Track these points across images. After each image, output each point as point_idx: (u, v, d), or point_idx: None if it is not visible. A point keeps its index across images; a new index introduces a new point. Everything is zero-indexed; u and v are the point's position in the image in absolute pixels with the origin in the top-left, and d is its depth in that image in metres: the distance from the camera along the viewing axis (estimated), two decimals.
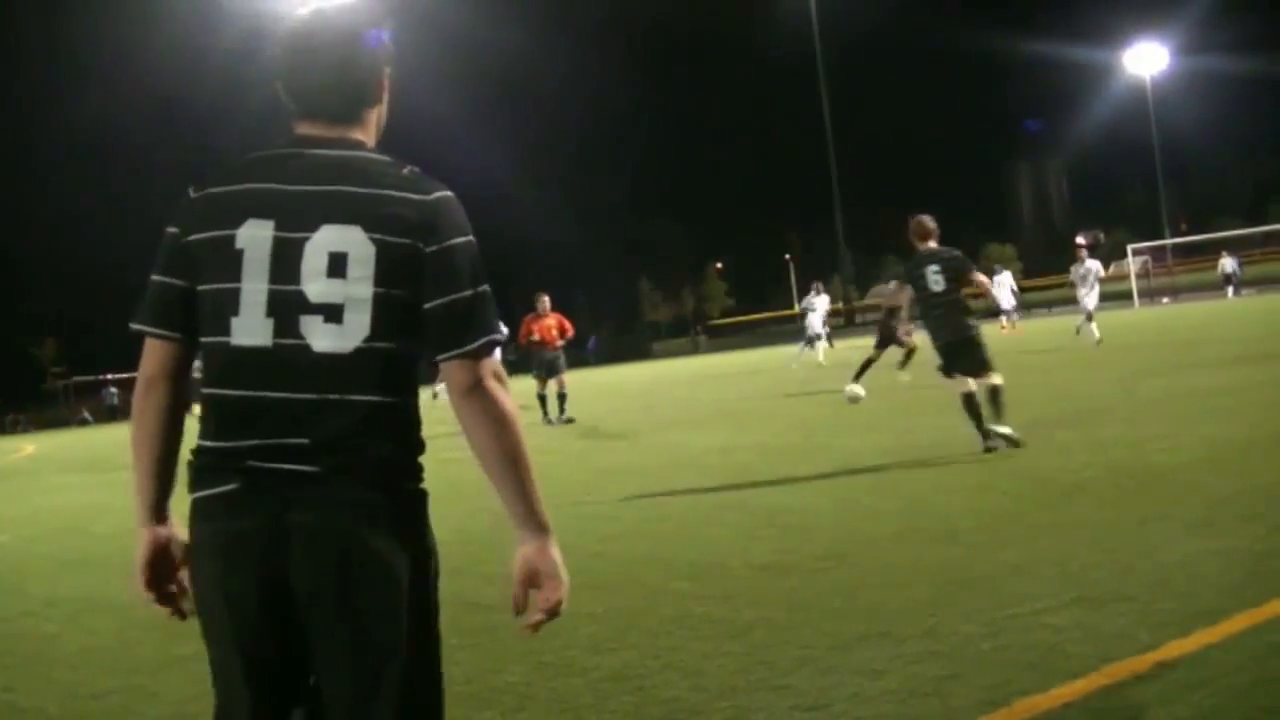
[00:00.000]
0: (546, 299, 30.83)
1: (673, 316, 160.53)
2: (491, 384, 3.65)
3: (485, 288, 3.73)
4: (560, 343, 30.41)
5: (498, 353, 3.76)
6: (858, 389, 24.75)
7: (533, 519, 3.74)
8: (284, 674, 3.57)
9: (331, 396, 3.55)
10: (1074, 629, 7.37)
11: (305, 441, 3.53)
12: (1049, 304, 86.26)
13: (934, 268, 16.00)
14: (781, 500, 13.93)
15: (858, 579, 9.46)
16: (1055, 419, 18.88)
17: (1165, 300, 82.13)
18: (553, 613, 3.76)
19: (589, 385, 51.46)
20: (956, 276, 16.14)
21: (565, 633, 8.71)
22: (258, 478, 3.53)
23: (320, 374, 3.55)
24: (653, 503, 14.78)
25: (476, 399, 3.65)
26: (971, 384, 15.58)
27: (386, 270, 3.58)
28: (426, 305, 3.63)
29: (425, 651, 3.69)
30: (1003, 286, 56.99)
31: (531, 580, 3.74)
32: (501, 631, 8.81)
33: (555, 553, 3.76)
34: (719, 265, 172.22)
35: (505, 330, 3.77)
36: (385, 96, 3.94)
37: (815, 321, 46.07)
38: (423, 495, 3.74)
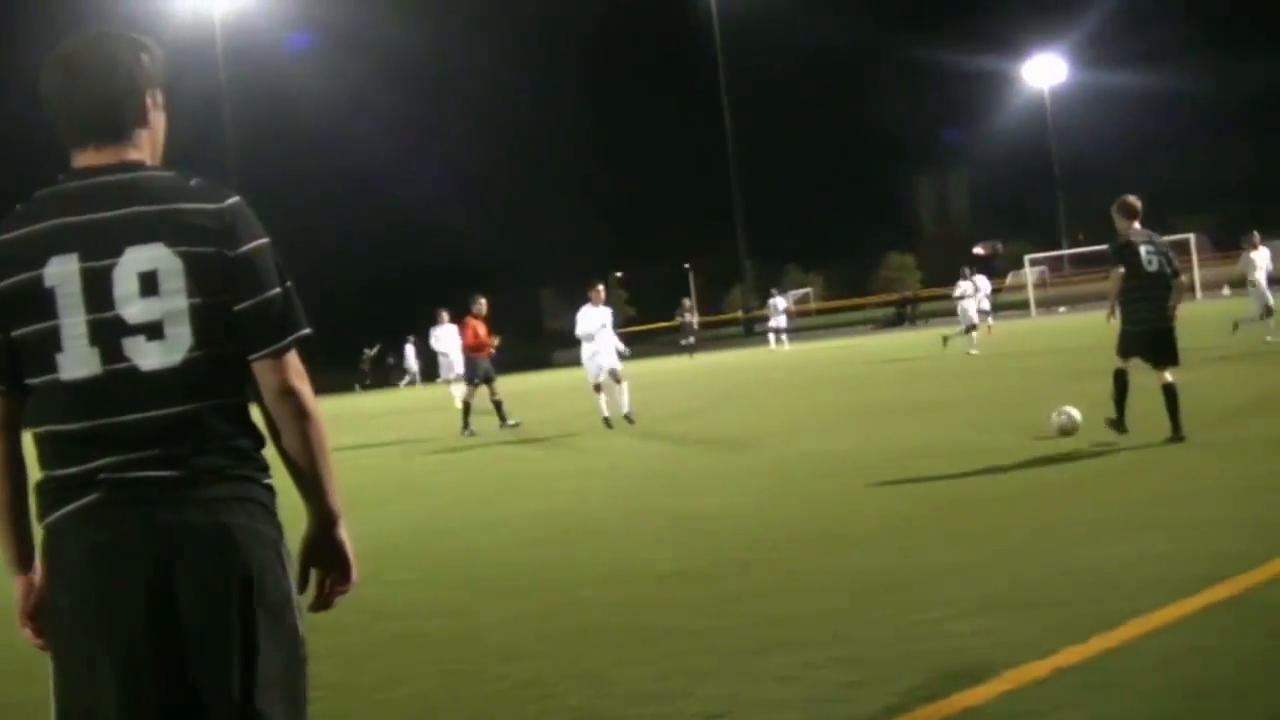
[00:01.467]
0: (484, 301, 29.69)
1: (401, 341, 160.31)
2: (298, 382, 3.77)
3: (290, 285, 3.82)
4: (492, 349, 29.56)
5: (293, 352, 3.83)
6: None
7: (327, 506, 3.83)
8: (160, 683, 3.56)
9: (172, 410, 3.61)
10: (978, 635, 7.45)
11: (157, 452, 3.59)
12: (946, 314, 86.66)
13: (1148, 248, 15.68)
14: (689, 507, 13.96)
15: (765, 585, 9.52)
16: (955, 426, 19.06)
17: (1062, 309, 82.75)
18: (340, 593, 3.90)
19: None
20: (1169, 262, 15.83)
21: (475, 640, 8.75)
22: (118, 487, 3.57)
23: (155, 391, 3.61)
24: (560, 510, 14.77)
25: (291, 400, 3.75)
26: (1168, 375, 15.29)
27: (197, 280, 3.64)
28: (237, 308, 3.69)
29: (295, 636, 3.74)
30: (979, 291, 57.87)
31: (316, 561, 3.86)
32: (412, 640, 8.83)
33: (344, 536, 3.88)
34: (619, 275, 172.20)
35: (310, 328, 3.82)
36: (158, 117, 3.97)
37: (970, 309, 45.03)
38: (273, 488, 3.81)
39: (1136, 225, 15.87)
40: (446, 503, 16.74)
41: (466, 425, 28.61)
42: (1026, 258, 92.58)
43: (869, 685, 6.73)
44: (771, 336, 69.95)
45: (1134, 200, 16.05)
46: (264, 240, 3.79)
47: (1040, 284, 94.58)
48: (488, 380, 29.01)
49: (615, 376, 25.38)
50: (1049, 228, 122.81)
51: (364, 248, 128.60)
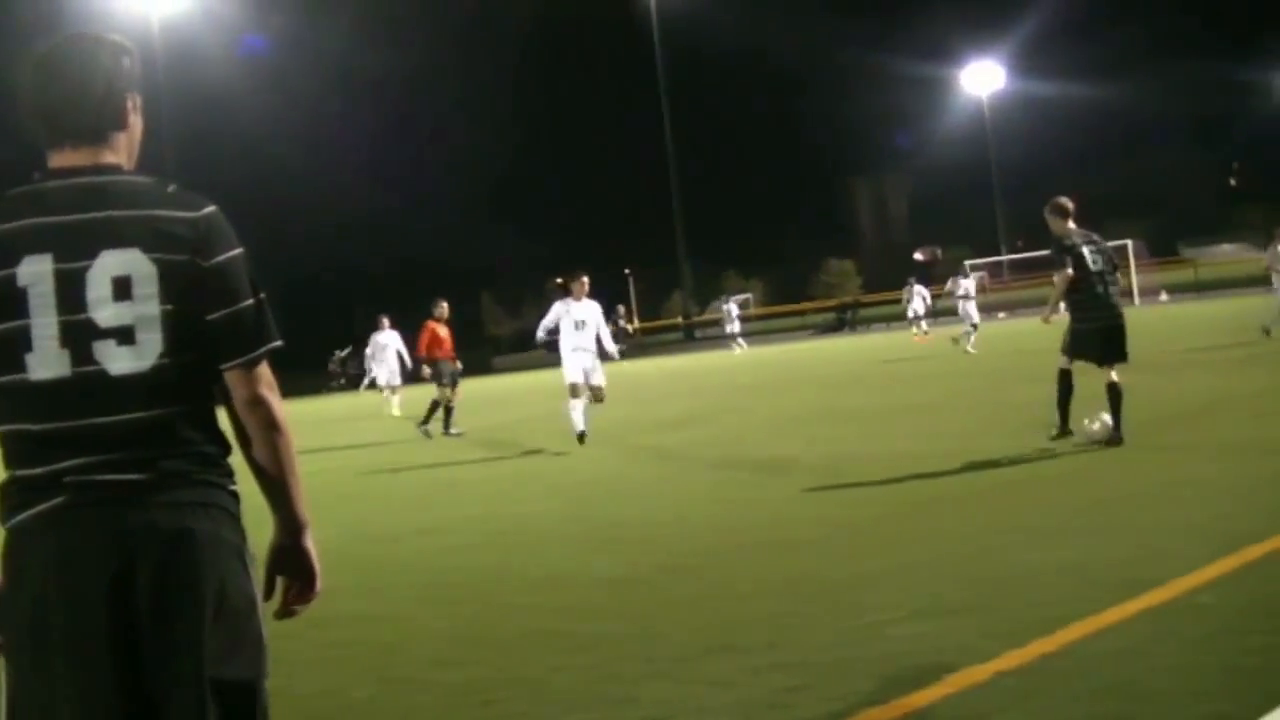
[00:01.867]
0: (445, 304, 29.82)
1: (514, 332, 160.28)
2: (267, 393, 3.79)
3: (262, 296, 3.83)
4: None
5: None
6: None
7: (294, 514, 3.89)
8: (118, 687, 3.51)
9: (139, 414, 3.60)
10: (916, 639, 7.47)
11: (123, 456, 3.57)
12: (887, 319, 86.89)
13: (1090, 247, 15.67)
14: (626, 513, 13.96)
15: (703, 591, 9.52)
16: (892, 432, 19.12)
17: (1002, 315, 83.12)
18: (304, 601, 3.97)
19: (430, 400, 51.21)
20: (1110, 260, 15.93)
21: (412, 647, 8.72)
22: (83, 489, 3.55)
23: (123, 395, 3.60)
24: (498, 515, 14.75)
25: (261, 410, 3.78)
26: (1114, 374, 15.38)
27: (171, 287, 3.64)
28: (209, 317, 3.70)
29: (257, 641, 3.73)
30: (917, 297, 58.71)
31: (283, 569, 3.90)
32: (349, 648, 8.79)
33: (310, 545, 3.95)
34: (559, 281, 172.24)
35: (281, 340, 3.82)
36: (135, 121, 3.97)
37: (972, 309, 44.68)
38: (238, 494, 3.80)
39: (1072, 225, 15.93)
40: (384, 508, 16.68)
41: (448, 426, 28.54)
42: (966, 263, 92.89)
43: (809, 690, 6.72)
44: (733, 340, 72.26)
45: (1065, 201, 16.14)
46: (238, 251, 3.80)
47: (980, 290, 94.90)
48: (454, 384, 28.87)
49: (596, 394, 22.91)
50: (988, 234, 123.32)
51: (298, 252, 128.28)
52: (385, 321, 37.66)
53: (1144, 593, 7.89)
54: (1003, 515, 11.37)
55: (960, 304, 44.25)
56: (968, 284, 45.17)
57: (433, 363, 29.18)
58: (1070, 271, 15.39)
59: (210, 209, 3.78)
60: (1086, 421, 15.27)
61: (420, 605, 10.16)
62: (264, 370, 3.79)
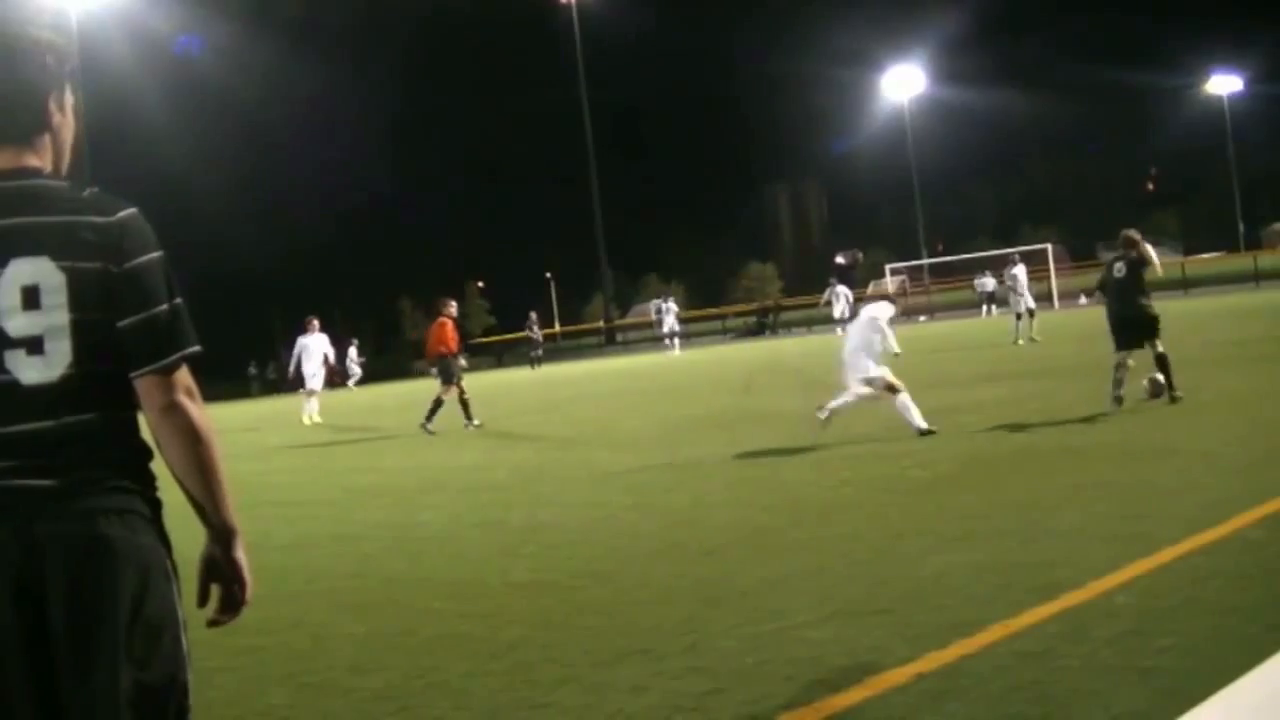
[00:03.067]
0: (454, 303, 30.50)
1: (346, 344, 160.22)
2: (185, 399, 3.70)
3: (179, 301, 3.75)
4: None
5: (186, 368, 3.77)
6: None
7: (223, 522, 3.79)
8: (28, 698, 3.45)
9: (51, 423, 3.54)
10: (833, 642, 7.47)
11: (36, 463, 3.51)
12: (807, 323, 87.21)
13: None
14: (540, 518, 13.90)
15: (618, 596, 9.49)
16: (810, 436, 19.16)
17: (922, 318, 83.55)
18: (235, 609, 3.87)
19: (352, 405, 51.02)
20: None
21: (327, 653, 8.66)
22: None
23: (34, 405, 3.54)
24: (411, 522, 14.67)
25: (174, 416, 3.69)
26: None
27: (79, 296, 3.57)
28: (121, 324, 3.62)
29: (176, 649, 3.65)
30: (841, 298, 58.97)
31: (215, 577, 3.82)
32: (263, 653, 8.72)
33: (241, 553, 3.84)
34: (480, 284, 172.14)
35: (199, 345, 3.76)
36: (65, 122, 3.89)
37: (1022, 302, 44.05)
38: (158, 501, 3.74)
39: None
40: (299, 515, 16.55)
41: (429, 420, 28.46)
42: (887, 267, 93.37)
43: (725, 693, 6.72)
44: (668, 342, 73.93)
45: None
46: (154, 255, 3.71)
47: (900, 293, 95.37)
48: (455, 380, 29.02)
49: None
50: (909, 237, 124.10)
51: (215, 255, 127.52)
52: (315, 324, 37.44)
53: (1060, 594, 7.95)
54: (918, 518, 11.41)
55: (1011, 296, 43.66)
56: (1018, 272, 44.57)
57: (445, 359, 29.33)
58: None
59: (126, 213, 3.69)
60: (1144, 381, 18.12)
61: (334, 611, 10.09)
62: (181, 376, 3.70)
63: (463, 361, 29.97)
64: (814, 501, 13.00)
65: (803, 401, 25.26)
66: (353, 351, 79.62)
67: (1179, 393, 18.14)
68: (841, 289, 58.89)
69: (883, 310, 19.01)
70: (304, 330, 37.73)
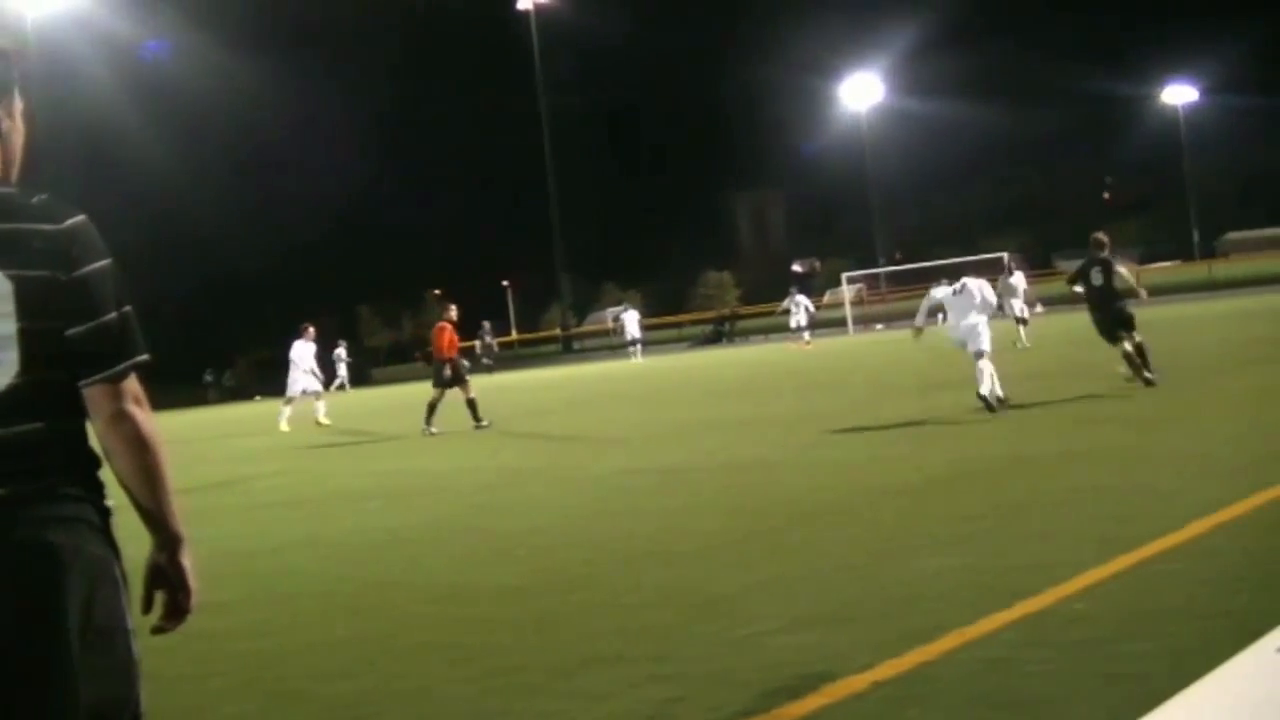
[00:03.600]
0: (454, 307, 31.23)
1: (391, 342, 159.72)
2: (133, 408, 3.69)
3: (128, 309, 3.73)
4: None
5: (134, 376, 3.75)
6: None
7: (169, 530, 3.78)
8: None
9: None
10: (798, 649, 7.51)
11: None
12: (765, 331, 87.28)
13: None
14: (512, 525, 13.92)
15: (597, 601, 9.51)
16: (799, 440, 19.22)
17: (879, 326, 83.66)
18: (179, 617, 3.85)
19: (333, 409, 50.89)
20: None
21: (297, 660, 8.67)
22: None
23: None
24: (385, 528, 14.66)
25: (123, 424, 3.67)
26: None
27: (27, 305, 3.53)
28: (70, 332, 3.59)
29: (127, 658, 3.63)
30: (800, 307, 59.34)
31: (160, 584, 3.81)
32: (232, 661, 8.73)
33: (186, 560, 3.83)
34: (437, 291, 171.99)
35: (148, 354, 3.77)
36: (15, 127, 3.86)
37: (1017, 306, 43.93)
38: (108, 509, 3.70)
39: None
40: (267, 520, 16.54)
41: (429, 423, 28.93)
42: (844, 275, 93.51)
43: (689, 701, 6.74)
44: (630, 350, 73.36)
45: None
46: (104, 263, 3.68)
47: (858, 301, 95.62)
48: (460, 381, 29.77)
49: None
50: (866, 246, 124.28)
51: (171, 267, 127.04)
52: (311, 330, 37.43)
53: (1021, 601, 7.99)
54: (883, 526, 11.45)
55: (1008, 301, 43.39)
56: (1015, 280, 44.28)
57: (450, 362, 29.97)
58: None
59: (76, 220, 3.66)
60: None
61: (303, 618, 10.10)
62: (130, 384, 3.69)
63: (465, 362, 31.04)
64: (782, 508, 13.04)
65: (765, 409, 25.34)
66: (341, 352, 79.69)
67: (1153, 376, 20.83)
68: (801, 298, 59.47)
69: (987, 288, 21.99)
70: (299, 336, 37.68)
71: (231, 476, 23.33)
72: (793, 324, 60.72)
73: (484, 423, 28.98)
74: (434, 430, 28.76)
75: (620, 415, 29.63)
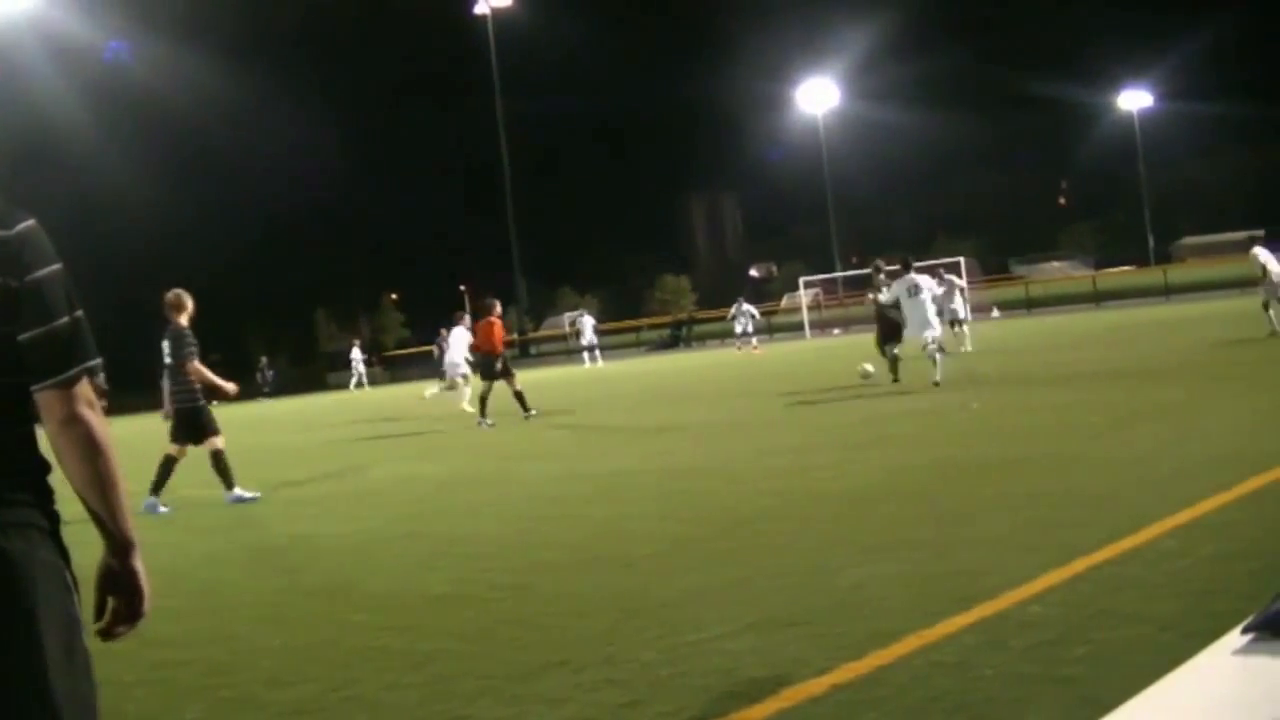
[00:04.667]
0: (498, 303, 32.42)
1: (348, 347, 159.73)
2: (86, 412, 3.65)
3: (80, 314, 3.70)
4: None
5: (88, 380, 3.71)
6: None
7: (121, 534, 3.74)
8: None
9: None
10: (750, 654, 7.48)
11: None
12: (721, 336, 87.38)
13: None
14: (461, 529, 13.89)
15: (537, 608, 9.47)
16: (729, 449, 19.20)
17: (836, 331, 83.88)
18: (132, 621, 3.82)
19: (265, 418, 50.79)
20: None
21: (244, 667, 8.61)
22: None
23: None
24: (329, 533, 14.63)
25: (74, 429, 3.64)
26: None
27: None
28: (22, 337, 3.57)
29: (78, 663, 3.58)
30: (745, 316, 59.74)
31: (112, 589, 3.77)
32: (180, 668, 8.67)
33: (139, 565, 3.80)
34: (394, 296, 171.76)
35: (99, 358, 3.74)
36: None
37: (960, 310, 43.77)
38: (57, 515, 3.67)
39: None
40: (216, 527, 16.45)
41: (483, 416, 30.30)
42: (801, 280, 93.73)
43: (642, 705, 6.72)
44: (585, 355, 74.67)
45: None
46: (55, 267, 3.65)
47: (814, 306, 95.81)
48: (507, 375, 31.07)
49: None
50: (823, 250, 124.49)
51: (122, 271, 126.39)
52: (467, 320, 37.91)
53: (976, 604, 7.99)
54: (837, 529, 11.44)
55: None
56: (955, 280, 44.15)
57: (490, 357, 31.19)
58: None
59: (25, 225, 3.63)
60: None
61: (253, 625, 10.03)
62: (82, 389, 3.65)
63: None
64: (732, 513, 13.00)
65: (718, 414, 25.37)
66: (355, 353, 79.97)
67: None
68: (747, 306, 59.95)
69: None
70: (455, 323, 38.82)
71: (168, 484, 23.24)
72: (738, 329, 61.20)
73: (532, 412, 30.15)
74: (490, 423, 29.73)
75: (567, 420, 29.57)
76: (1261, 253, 35.34)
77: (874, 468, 15.16)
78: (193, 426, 18.81)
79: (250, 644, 9.35)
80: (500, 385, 30.44)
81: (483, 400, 30.69)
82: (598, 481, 16.83)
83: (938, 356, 26.30)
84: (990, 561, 9.32)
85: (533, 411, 30.16)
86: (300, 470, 23.69)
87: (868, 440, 17.88)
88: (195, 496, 20.38)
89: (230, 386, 18.91)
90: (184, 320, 18.80)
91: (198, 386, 18.64)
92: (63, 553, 3.64)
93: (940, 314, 33.23)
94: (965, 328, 41.63)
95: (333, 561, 12.82)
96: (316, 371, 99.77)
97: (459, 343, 37.67)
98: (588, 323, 75.09)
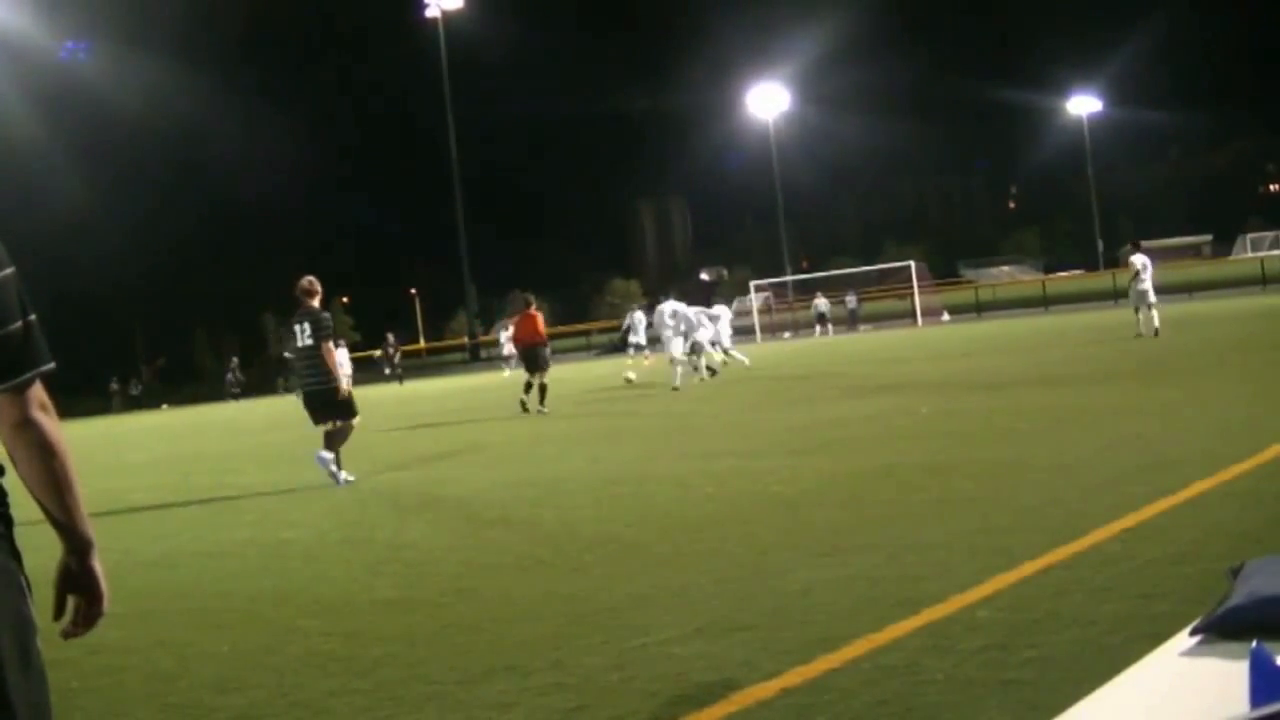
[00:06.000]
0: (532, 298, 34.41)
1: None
2: (39, 415, 3.66)
3: (33, 318, 3.70)
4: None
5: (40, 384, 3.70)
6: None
7: (78, 535, 3.76)
8: None
9: None
10: (699, 658, 7.47)
11: None
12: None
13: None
14: (404, 536, 13.81)
15: (482, 612, 9.43)
16: (673, 452, 19.22)
17: (786, 335, 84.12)
18: (91, 621, 3.85)
19: (214, 420, 50.58)
20: None
21: (191, 673, 8.56)
22: None
23: None
24: (274, 538, 14.55)
25: (28, 432, 3.65)
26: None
27: None
28: None
29: (31, 668, 3.54)
30: (639, 323, 59.17)
31: (71, 589, 3.80)
32: (126, 673, 8.62)
33: (97, 565, 3.83)
34: (344, 299, 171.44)
35: (53, 363, 3.75)
36: None
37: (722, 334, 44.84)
38: (10, 518, 3.64)
39: None
40: (159, 531, 16.35)
41: (542, 404, 31.68)
42: (752, 284, 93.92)
43: (590, 710, 6.70)
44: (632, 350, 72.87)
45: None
46: (7, 272, 3.63)
47: (765, 310, 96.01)
48: (544, 367, 32.22)
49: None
50: (773, 254, 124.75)
51: (76, 269, 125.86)
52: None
53: (923, 608, 8.01)
54: (780, 534, 11.44)
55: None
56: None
57: (538, 348, 32.53)
58: None
59: None
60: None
61: (199, 630, 9.97)
62: (35, 392, 3.65)
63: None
64: (678, 517, 12.99)
65: (661, 420, 25.43)
66: (391, 338, 79.82)
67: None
68: (639, 315, 59.51)
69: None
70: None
71: (112, 487, 23.10)
72: (632, 340, 59.82)
73: (544, 410, 31.21)
74: (546, 409, 31.22)
75: (510, 426, 29.51)
76: (1138, 259, 36.36)
77: (801, 474, 15.15)
78: (330, 404, 19.79)
79: (196, 649, 9.28)
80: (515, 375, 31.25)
81: (531, 389, 32.09)
82: (541, 485, 16.74)
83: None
84: (936, 566, 9.34)
85: (543, 408, 31.34)
86: (243, 475, 23.57)
87: (796, 446, 17.92)
88: (144, 500, 20.31)
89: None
90: (317, 303, 19.97)
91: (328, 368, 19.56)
92: (16, 555, 3.61)
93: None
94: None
95: (277, 566, 12.75)
96: (266, 375, 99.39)
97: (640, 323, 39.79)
98: (639, 319, 71.48)
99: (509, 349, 66.35)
